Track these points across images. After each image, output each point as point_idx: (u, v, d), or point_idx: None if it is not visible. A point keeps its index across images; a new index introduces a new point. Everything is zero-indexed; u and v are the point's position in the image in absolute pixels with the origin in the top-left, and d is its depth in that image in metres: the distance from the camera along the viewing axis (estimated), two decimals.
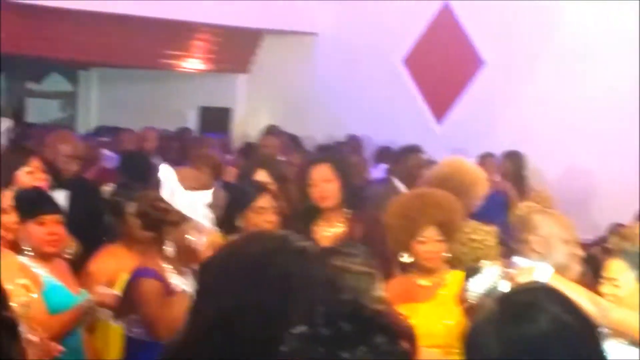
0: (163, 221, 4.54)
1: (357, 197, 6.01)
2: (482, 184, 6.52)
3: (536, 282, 4.05)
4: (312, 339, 1.98)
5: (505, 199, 10.98)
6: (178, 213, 4.52)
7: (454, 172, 6.39)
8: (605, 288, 4.50)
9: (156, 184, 4.57)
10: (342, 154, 5.96)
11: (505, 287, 4.54)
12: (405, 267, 5.16)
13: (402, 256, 5.09)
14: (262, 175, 6.05)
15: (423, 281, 5.08)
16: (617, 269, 4.45)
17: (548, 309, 2.07)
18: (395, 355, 1.95)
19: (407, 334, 2.00)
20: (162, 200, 4.53)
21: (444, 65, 12.94)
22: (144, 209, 4.65)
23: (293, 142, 11.93)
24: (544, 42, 12.03)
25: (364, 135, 12.90)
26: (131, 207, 5.29)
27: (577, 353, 2.05)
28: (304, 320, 2.02)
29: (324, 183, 5.77)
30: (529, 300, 2.11)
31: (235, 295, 2.37)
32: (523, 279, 4.36)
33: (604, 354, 2.15)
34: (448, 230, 5.07)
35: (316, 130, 13.14)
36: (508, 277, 4.47)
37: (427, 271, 5.06)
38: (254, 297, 2.35)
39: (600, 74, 11.57)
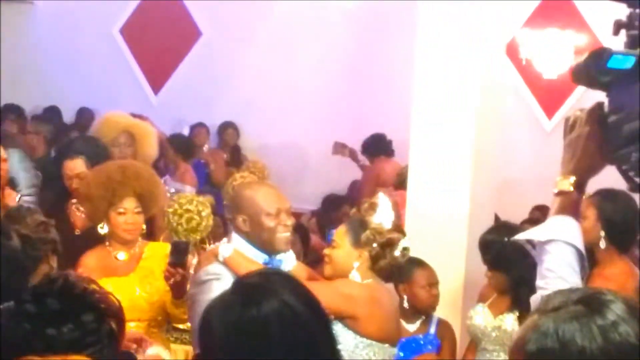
0: None
1: None
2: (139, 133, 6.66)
3: (273, 268, 4.16)
4: (18, 315, 1.95)
5: (207, 168, 11.16)
6: None
7: (103, 123, 6.53)
8: (327, 250, 4.77)
9: None
10: (98, 146, 5.96)
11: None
12: (103, 240, 5.15)
13: (101, 227, 5.11)
14: None
15: (121, 254, 5.10)
16: (340, 232, 4.72)
17: (277, 293, 2.09)
18: (102, 333, 1.96)
19: (115, 314, 1.98)
20: None
21: (161, 36, 12.84)
22: None
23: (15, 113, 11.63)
24: (262, 14, 12.15)
25: (80, 104, 12.70)
26: None
27: (299, 337, 2.07)
28: (13, 296, 2.00)
29: (77, 178, 5.81)
30: (260, 285, 2.12)
31: None
32: (207, 260, 4.51)
33: (330, 340, 2.19)
34: (147, 202, 5.11)
35: (31, 100, 12.77)
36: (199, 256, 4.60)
37: (125, 243, 5.07)
38: None
39: (314, 49, 11.81)
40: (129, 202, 5.01)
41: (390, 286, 5.03)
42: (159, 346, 4.31)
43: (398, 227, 4.75)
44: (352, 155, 10.99)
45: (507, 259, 5.35)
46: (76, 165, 5.86)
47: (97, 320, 1.99)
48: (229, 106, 12.24)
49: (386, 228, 4.66)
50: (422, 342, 5.71)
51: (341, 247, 4.68)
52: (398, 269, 4.84)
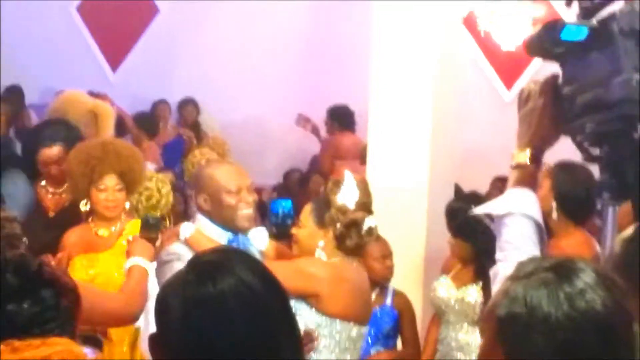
0: None
1: None
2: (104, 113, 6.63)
3: (229, 245, 4.12)
4: None
5: (184, 145, 11.16)
6: None
7: (66, 103, 6.48)
8: (294, 229, 4.72)
9: None
10: (72, 130, 5.93)
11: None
12: (86, 216, 5.15)
13: (83, 204, 5.09)
14: None
15: (102, 231, 5.10)
16: (305, 212, 4.67)
17: (234, 270, 2.06)
18: (59, 309, 1.96)
19: (71, 291, 1.99)
20: None
21: (118, 14, 12.73)
22: None
23: None
24: None
25: (38, 82, 12.59)
26: None
27: (257, 313, 2.06)
28: None
29: (56, 165, 5.72)
30: (216, 261, 2.10)
31: None
32: (169, 240, 4.50)
33: (288, 317, 2.16)
34: (128, 180, 5.08)
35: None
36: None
37: (106, 220, 5.07)
38: None
39: (273, 22, 11.76)
40: (110, 180, 5.00)
41: None
42: (138, 257, 4.31)
43: (364, 206, 4.64)
44: (314, 130, 11.00)
45: (472, 228, 5.37)
46: (54, 153, 5.79)
47: (55, 296, 2.00)
48: (188, 83, 12.18)
49: (350, 208, 4.57)
50: (379, 314, 5.73)
51: (306, 227, 4.62)
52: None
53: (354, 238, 4.57)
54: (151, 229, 4.65)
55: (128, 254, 4.36)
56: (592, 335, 1.88)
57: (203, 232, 4.46)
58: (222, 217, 4.49)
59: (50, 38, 12.80)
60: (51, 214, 5.81)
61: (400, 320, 5.82)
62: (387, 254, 5.80)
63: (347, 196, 4.58)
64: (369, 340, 5.62)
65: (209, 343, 2.00)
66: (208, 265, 2.09)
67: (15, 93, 12.00)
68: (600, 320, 1.88)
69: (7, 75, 12.35)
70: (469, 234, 5.43)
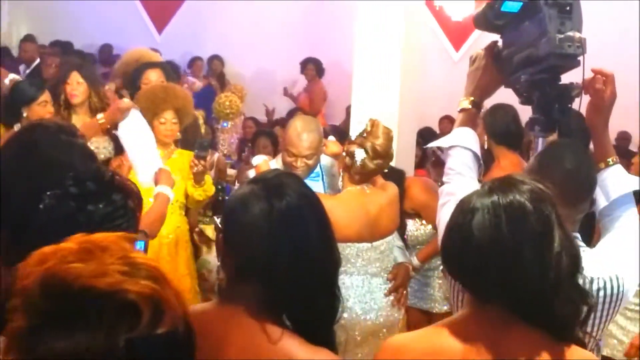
0: None
1: None
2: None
3: (278, 169, 4.06)
4: (64, 196, 1.95)
5: (213, 91, 11.18)
6: None
7: (134, 55, 6.38)
8: None
9: None
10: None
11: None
12: None
13: None
14: (75, 77, 5.56)
15: (160, 152, 5.12)
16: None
17: (294, 186, 2.03)
18: (126, 209, 1.97)
19: (136, 195, 2.00)
20: None
21: None
22: None
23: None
24: None
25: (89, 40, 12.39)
26: None
27: (317, 218, 2.04)
28: (56, 186, 2.00)
29: None
30: (281, 180, 2.05)
31: (8, 167, 2.29)
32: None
33: (328, 219, 2.10)
34: (181, 115, 5.09)
35: (66, 37, 12.32)
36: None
37: (162, 145, 5.08)
38: (22, 168, 2.27)
39: None
40: (169, 114, 5.03)
41: None
42: (164, 185, 4.27)
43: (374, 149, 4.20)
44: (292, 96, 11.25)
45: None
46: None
47: (124, 199, 2.01)
48: (217, 42, 12.15)
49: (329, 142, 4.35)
50: None
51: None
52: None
53: (355, 167, 4.21)
54: (203, 148, 4.88)
55: (156, 182, 4.27)
56: None
57: (269, 164, 4.44)
58: (284, 163, 4.41)
59: (105, 5, 12.52)
60: None
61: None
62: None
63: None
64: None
65: (292, 244, 1.96)
66: (278, 184, 2.04)
67: (66, 46, 11.64)
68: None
69: (56, 36, 12.06)
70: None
